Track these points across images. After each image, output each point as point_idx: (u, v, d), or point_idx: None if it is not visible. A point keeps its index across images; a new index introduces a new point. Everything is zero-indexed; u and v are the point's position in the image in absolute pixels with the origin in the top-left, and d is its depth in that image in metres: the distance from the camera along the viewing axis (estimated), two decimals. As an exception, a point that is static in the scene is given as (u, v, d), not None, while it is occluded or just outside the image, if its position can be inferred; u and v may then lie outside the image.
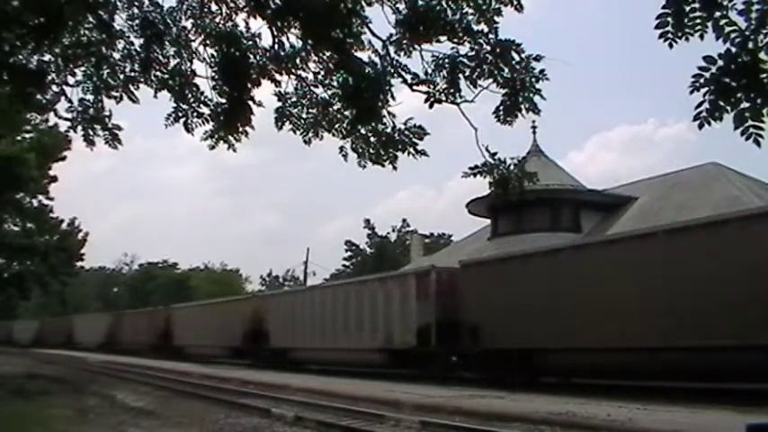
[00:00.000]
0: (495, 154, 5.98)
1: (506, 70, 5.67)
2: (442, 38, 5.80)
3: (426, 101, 5.91)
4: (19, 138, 22.42)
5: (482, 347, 15.49)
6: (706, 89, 3.62)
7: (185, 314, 32.59)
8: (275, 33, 6.22)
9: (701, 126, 3.67)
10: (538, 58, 5.58)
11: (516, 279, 15.13)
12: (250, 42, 6.44)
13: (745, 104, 3.60)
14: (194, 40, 6.55)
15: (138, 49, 6.54)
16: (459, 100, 5.91)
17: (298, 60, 6.35)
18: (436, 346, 16.36)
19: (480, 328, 15.49)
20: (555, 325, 13.61)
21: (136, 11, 6.45)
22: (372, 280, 20.42)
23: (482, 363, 15.95)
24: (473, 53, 5.75)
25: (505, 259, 16.78)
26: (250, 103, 6.55)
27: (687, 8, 3.67)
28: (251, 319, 25.17)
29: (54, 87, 6.80)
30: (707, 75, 3.60)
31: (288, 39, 6.25)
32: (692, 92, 3.63)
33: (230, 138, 6.71)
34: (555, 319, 13.63)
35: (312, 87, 6.51)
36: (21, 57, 6.62)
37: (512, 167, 6.09)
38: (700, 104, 3.65)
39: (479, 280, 16.24)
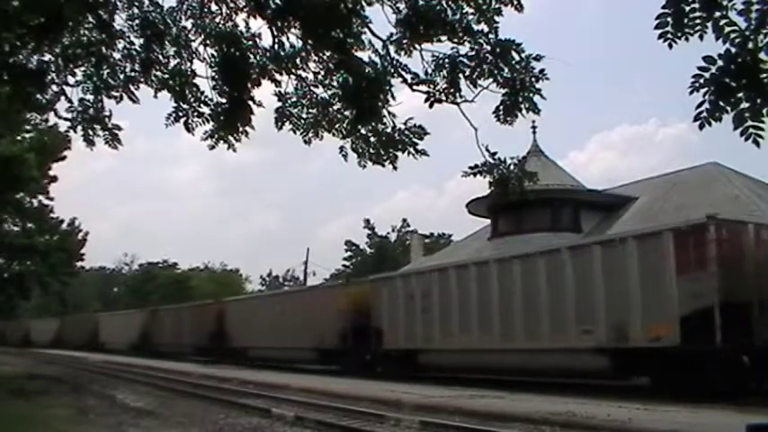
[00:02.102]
0: (494, 154, 5.99)
1: (506, 70, 5.67)
2: (443, 38, 5.80)
3: (426, 101, 5.92)
4: (19, 138, 22.37)
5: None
6: (706, 89, 3.61)
7: (247, 308, 28.32)
8: (275, 33, 6.22)
9: (701, 126, 3.67)
10: (538, 58, 5.58)
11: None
12: (250, 42, 6.44)
13: (744, 105, 3.60)
14: (194, 40, 6.56)
15: (138, 49, 6.54)
16: (459, 100, 5.91)
17: (298, 60, 6.34)
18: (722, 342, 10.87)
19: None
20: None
21: (136, 11, 6.45)
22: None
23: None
24: (473, 53, 5.75)
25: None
26: (250, 103, 6.55)
27: (687, 8, 3.67)
28: (356, 310, 19.94)
29: (54, 87, 6.80)
30: (707, 75, 3.60)
31: (288, 39, 6.26)
32: (691, 92, 3.63)
33: (230, 138, 6.71)
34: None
35: (312, 87, 6.51)
36: (21, 57, 6.62)
37: (512, 167, 6.09)
38: (700, 105, 3.65)
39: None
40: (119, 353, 35.35)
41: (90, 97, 6.74)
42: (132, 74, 6.61)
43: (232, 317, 27.96)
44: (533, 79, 5.61)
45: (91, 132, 6.87)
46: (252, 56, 6.46)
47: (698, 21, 3.66)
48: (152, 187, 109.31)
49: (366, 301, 19.66)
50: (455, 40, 5.76)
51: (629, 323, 12.24)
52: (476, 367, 16.41)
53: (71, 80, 6.70)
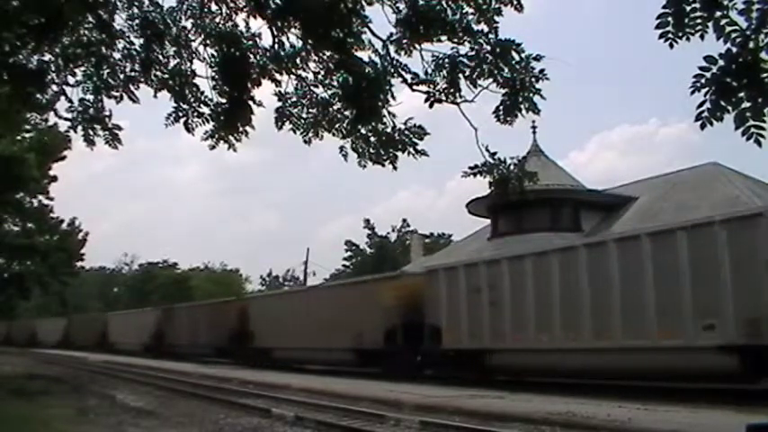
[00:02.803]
0: (494, 154, 5.97)
1: (506, 70, 5.66)
2: (443, 38, 5.79)
3: (426, 101, 5.91)
4: (19, 138, 22.38)
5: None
6: (707, 89, 3.61)
7: (273, 305, 26.35)
8: (275, 33, 6.21)
9: (702, 126, 3.67)
10: (538, 58, 5.57)
11: None
12: (250, 42, 6.43)
13: (746, 104, 3.60)
14: (194, 40, 6.54)
15: (138, 49, 6.53)
16: (459, 100, 5.90)
17: (298, 60, 6.33)
18: None
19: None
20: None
21: (136, 11, 6.44)
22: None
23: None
24: (473, 53, 5.74)
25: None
26: (250, 102, 6.54)
27: (688, 8, 3.66)
28: (406, 306, 17.89)
29: (54, 87, 6.79)
30: (708, 75, 3.59)
31: (288, 39, 6.25)
32: (692, 92, 3.63)
33: (230, 137, 6.70)
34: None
35: (312, 87, 6.50)
36: (21, 57, 6.62)
37: (512, 167, 6.08)
38: (701, 104, 3.65)
39: None
40: (129, 354, 33.79)
41: (90, 97, 6.73)
42: (132, 74, 6.60)
43: (256, 315, 25.73)
44: (533, 79, 5.60)
45: (91, 132, 6.86)
46: (252, 56, 6.45)
47: (699, 20, 3.66)
48: (152, 187, 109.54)
49: (418, 294, 17.53)
50: (455, 40, 5.76)
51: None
52: (558, 369, 14.37)
53: (71, 80, 6.69)
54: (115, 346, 37.86)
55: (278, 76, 6.46)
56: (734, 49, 3.58)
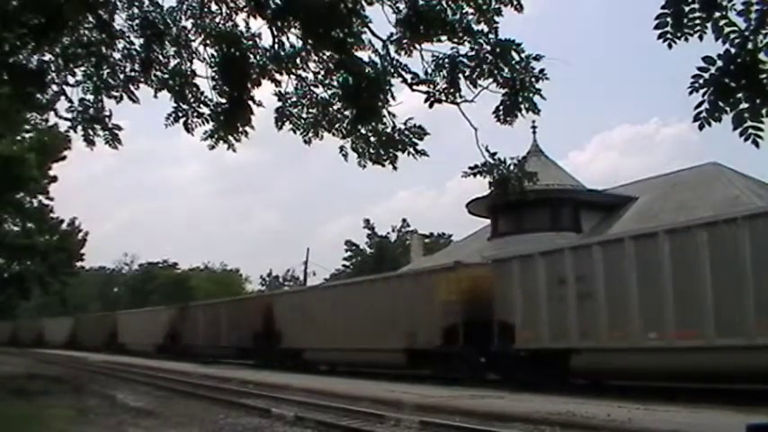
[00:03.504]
0: (494, 154, 5.99)
1: (506, 70, 5.67)
2: (443, 38, 5.81)
3: (426, 101, 5.92)
4: (19, 138, 22.40)
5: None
6: (705, 90, 3.62)
7: (303, 301, 23.45)
8: (275, 33, 6.22)
9: (701, 127, 3.68)
10: (537, 58, 5.58)
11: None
12: (250, 42, 6.44)
13: (744, 105, 3.61)
14: (194, 40, 6.57)
15: (138, 49, 6.55)
16: (459, 100, 5.92)
17: (298, 60, 6.35)
18: None
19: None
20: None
21: (136, 11, 6.45)
22: None
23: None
24: (473, 53, 5.75)
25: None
26: (250, 103, 6.55)
27: (686, 8, 3.67)
28: (470, 301, 15.95)
29: (54, 87, 6.82)
30: (706, 75, 3.60)
31: (288, 39, 6.26)
32: (691, 92, 3.64)
33: (230, 138, 6.71)
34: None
35: (312, 87, 6.52)
36: (21, 57, 6.63)
37: (512, 167, 6.10)
38: (699, 105, 3.66)
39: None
40: (141, 355, 32.05)
41: (90, 97, 6.76)
42: (132, 74, 6.61)
43: (283, 313, 23.45)
44: (533, 79, 5.62)
45: (91, 132, 6.88)
46: (252, 56, 6.47)
47: (697, 21, 3.67)
48: (152, 187, 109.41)
49: (484, 288, 15.64)
50: (455, 40, 5.77)
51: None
52: (668, 371, 12.07)
53: (71, 80, 6.72)
54: (125, 347, 36.07)
55: (278, 76, 6.48)
56: (732, 50, 3.59)
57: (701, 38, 3.68)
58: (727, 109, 3.62)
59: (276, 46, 6.29)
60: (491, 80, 5.73)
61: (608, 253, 13.04)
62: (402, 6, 5.88)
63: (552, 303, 13.90)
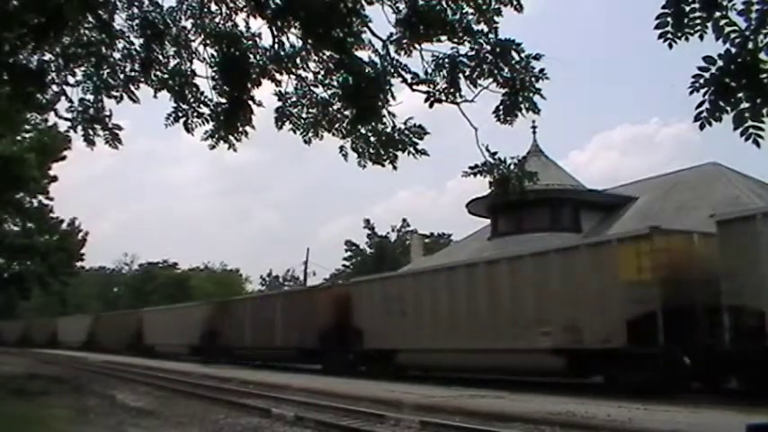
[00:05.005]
0: (495, 153, 5.98)
1: (506, 70, 5.66)
2: (442, 38, 5.80)
3: (426, 100, 5.91)
4: (19, 138, 22.41)
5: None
6: (706, 89, 3.61)
7: (394, 289, 18.69)
8: (275, 33, 6.21)
9: (701, 127, 3.68)
10: (537, 58, 5.58)
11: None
12: (250, 42, 6.43)
13: (744, 105, 3.60)
14: (194, 40, 6.55)
15: (138, 49, 6.54)
16: (459, 100, 5.91)
17: (298, 60, 6.34)
18: None
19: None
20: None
21: (136, 11, 6.45)
22: None
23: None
24: (473, 53, 5.74)
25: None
26: (250, 102, 6.55)
27: (687, 8, 3.67)
28: (671, 280, 11.79)
29: (54, 87, 6.80)
30: (707, 75, 3.60)
31: (288, 39, 6.25)
32: (691, 92, 3.63)
33: (230, 137, 6.70)
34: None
35: (312, 87, 6.50)
36: (21, 57, 6.62)
37: (512, 167, 6.09)
38: (700, 105, 3.65)
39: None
40: (172, 358, 28.99)
41: (90, 97, 6.74)
42: (132, 74, 6.60)
43: (366, 305, 19.25)
44: (533, 79, 5.61)
45: (91, 132, 6.87)
46: (252, 56, 6.46)
47: (698, 21, 3.66)
48: (152, 187, 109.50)
49: (695, 261, 12.16)
50: (455, 40, 5.76)
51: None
52: None
53: (71, 80, 6.70)
54: (153, 349, 32.32)
55: (278, 76, 6.47)
56: (733, 50, 3.59)
57: (701, 38, 3.68)
58: (728, 109, 3.61)
59: (276, 46, 6.28)
60: (491, 80, 5.72)
61: None
62: (402, 6, 5.87)
63: None
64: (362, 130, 6.47)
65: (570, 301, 13.28)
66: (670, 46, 3.74)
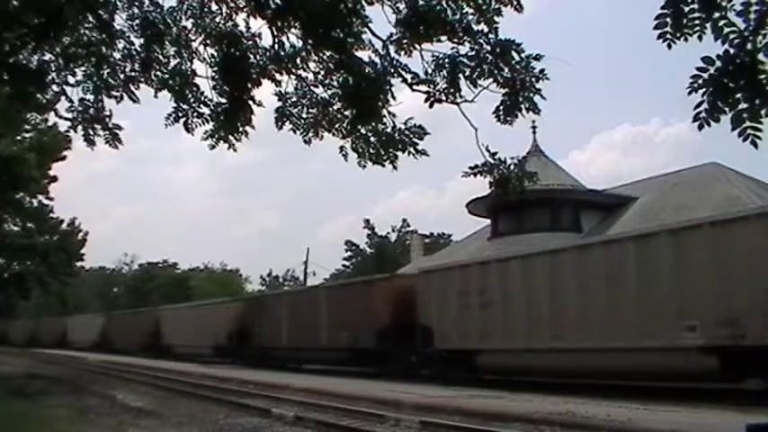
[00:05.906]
0: (495, 154, 5.98)
1: (506, 70, 5.66)
2: (442, 38, 5.80)
3: (426, 100, 5.91)
4: (19, 138, 22.43)
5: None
6: (704, 90, 3.62)
7: (474, 279, 15.67)
8: (275, 33, 6.22)
9: (700, 127, 3.68)
10: (538, 58, 5.58)
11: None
12: (250, 42, 6.44)
13: (743, 105, 3.60)
14: (194, 40, 6.56)
15: (138, 49, 6.54)
16: (459, 100, 5.91)
17: (298, 60, 6.34)
18: None
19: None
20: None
21: (136, 11, 6.45)
22: None
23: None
24: (473, 53, 5.75)
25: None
26: (250, 102, 6.56)
27: (686, 9, 3.67)
28: None
29: (54, 87, 6.81)
30: (705, 75, 3.60)
31: (288, 39, 6.26)
32: (690, 92, 3.64)
33: (230, 138, 6.71)
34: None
35: (312, 87, 6.51)
36: (21, 57, 6.63)
37: (512, 167, 6.09)
38: (699, 105, 3.66)
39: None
40: (194, 360, 27.00)
41: (90, 97, 6.75)
42: (132, 74, 6.61)
43: (436, 298, 16.56)
44: (533, 79, 5.61)
45: (91, 132, 6.88)
46: (252, 56, 6.47)
47: (697, 21, 3.67)
48: (152, 187, 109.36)
49: None
50: (455, 40, 5.76)
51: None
52: None
53: (71, 80, 6.71)
54: (173, 350, 29.94)
55: (278, 76, 6.47)
56: (731, 51, 3.59)
57: (700, 38, 3.68)
58: (726, 109, 3.62)
59: (276, 46, 6.29)
60: (491, 80, 5.72)
61: None
62: (402, 6, 5.87)
63: None
64: (362, 131, 6.48)
65: (726, 288, 10.62)
66: (669, 46, 3.74)
